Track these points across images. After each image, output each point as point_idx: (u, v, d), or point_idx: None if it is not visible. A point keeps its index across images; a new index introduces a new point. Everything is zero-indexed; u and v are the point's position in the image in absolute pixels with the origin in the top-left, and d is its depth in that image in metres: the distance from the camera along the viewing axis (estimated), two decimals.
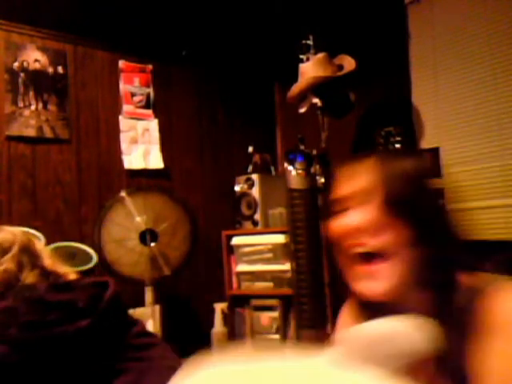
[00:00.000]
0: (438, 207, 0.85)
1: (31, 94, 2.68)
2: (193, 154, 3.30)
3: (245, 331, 3.02)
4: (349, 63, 2.74)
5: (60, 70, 2.79)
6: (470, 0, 2.76)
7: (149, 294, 2.63)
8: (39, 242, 0.98)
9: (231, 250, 3.07)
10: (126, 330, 0.86)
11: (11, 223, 1.18)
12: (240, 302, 3.04)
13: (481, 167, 2.70)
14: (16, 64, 2.65)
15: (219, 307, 3.06)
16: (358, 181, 0.84)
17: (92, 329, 0.78)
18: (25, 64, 2.67)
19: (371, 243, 0.81)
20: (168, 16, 3.17)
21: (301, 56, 2.86)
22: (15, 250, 0.88)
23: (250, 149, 3.29)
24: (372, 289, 0.81)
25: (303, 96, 2.80)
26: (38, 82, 2.71)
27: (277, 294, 2.90)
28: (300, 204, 2.59)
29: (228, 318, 3.05)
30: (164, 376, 0.83)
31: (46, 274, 0.89)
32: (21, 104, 2.64)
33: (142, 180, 3.01)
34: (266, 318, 2.93)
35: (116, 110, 2.98)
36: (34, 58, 2.71)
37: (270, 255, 2.92)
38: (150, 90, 3.11)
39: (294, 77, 2.83)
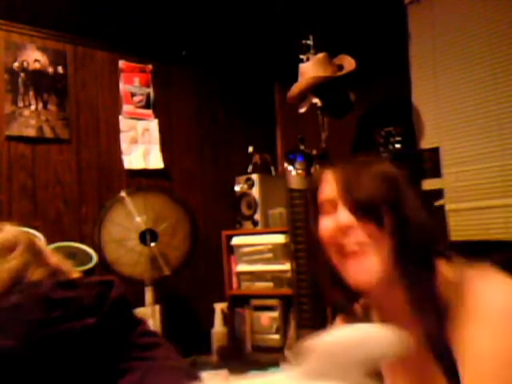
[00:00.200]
0: (411, 206, 0.92)
1: (31, 93, 2.68)
2: (193, 154, 3.30)
3: (245, 331, 3.02)
4: (349, 63, 2.74)
5: (60, 70, 2.79)
6: (470, 0, 2.76)
7: (149, 294, 2.63)
8: (40, 241, 0.98)
9: (231, 250, 3.07)
10: (131, 329, 0.86)
11: (11, 223, 1.18)
12: (240, 302, 3.04)
13: (480, 167, 2.70)
14: (16, 64, 2.65)
15: (219, 307, 3.06)
16: (330, 188, 0.97)
17: (98, 327, 0.78)
18: (25, 64, 2.67)
19: (350, 242, 0.92)
20: (168, 16, 3.17)
21: (301, 56, 2.86)
22: (21, 247, 0.88)
23: (250, 149, 3.29)
24: (357, 280, 0.92)
25: (303, 96, 2.80)
26: (37, 81, 2.71)
27: (277, 293, 2.90)
28: (300, 204, 2.60)
29: (228, 318, 3.05)
30: (168, 376, 0.83)
31: (51, 271, 0.89)
32: (21, 104, 2.64)
33: (141, 180, 3.01)
34: (265, 318, 2.93)
35: (116, 110, 2.98)
36: (34, 58, 2.71)
37: (269, 255, 2.92)
38: (150, 90, 3.11)
39: (294, 77, 2.83)
